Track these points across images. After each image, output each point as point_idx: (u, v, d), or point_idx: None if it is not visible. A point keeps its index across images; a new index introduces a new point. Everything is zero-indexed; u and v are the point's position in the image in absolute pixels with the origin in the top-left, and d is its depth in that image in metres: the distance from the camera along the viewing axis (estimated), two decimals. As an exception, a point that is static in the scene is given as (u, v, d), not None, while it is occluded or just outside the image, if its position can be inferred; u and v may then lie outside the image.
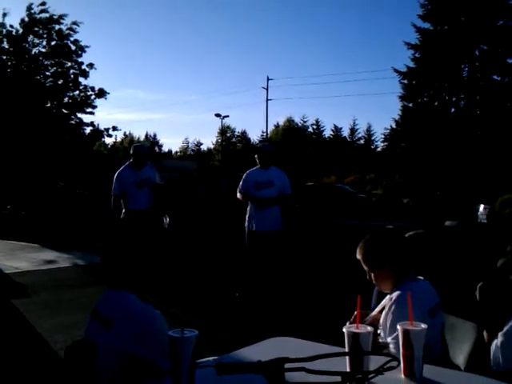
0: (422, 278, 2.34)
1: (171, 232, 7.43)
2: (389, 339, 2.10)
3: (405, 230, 2.97)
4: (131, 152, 6.92)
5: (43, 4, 24.66)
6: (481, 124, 28.58)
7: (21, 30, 24.58)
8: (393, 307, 2.15)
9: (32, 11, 24.65)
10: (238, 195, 6.66)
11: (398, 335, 2.00)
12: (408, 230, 3.00)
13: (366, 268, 2.37)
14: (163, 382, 1.68)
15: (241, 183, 6.67)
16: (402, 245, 2.36)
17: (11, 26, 24.55)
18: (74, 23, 25.09)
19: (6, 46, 24.62)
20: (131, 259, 2.07)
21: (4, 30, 24.36)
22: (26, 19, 24.63)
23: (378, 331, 2.25)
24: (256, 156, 6.57)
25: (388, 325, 2.13)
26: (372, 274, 2.35)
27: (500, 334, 2.06)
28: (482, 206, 16.20)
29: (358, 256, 2.38)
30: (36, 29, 24.68)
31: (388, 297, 2.27)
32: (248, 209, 6.59)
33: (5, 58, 24.66)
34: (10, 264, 9.29)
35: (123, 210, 6.77)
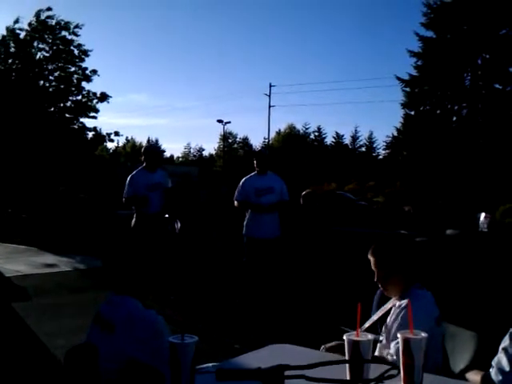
0: (424, 287, 2.35)
1: (181, 237, 7.42)
2: (392, 344, 2.11)
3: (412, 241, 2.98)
4: (143, 153, 6.92)
5: (49, 9, 24.83)
6: (483, 132, 28.59)
7: (28, 34, 24.72)
8: (402, 313, 2.16)
9: (40, 17, 24.82)
10: (236, 203, 6.60)
11: None
12: (409, 238, 3.00)
13: (376, 270, 2.37)
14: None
15: (238, 191, 6.59)
16: (415, 254, 2.38)
17: (20, 30, 24.71)
18: (76, 26, 25.24)
19: (12, 51, 24.77)
20: (137, 264, 2.07)
21: (12, 36, 24.53)
22: (35, 24, 24.77)
23: (381, 338, 2.25)
24: (255, 161, 6.54)
25: (393, 330, 2.14)
26: (381, 278, 2.36)
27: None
28: (482, 215, 16.14)
29: (371, 258, 2.38)
30: (43, 33, 24.83)
31: (397, 304, 2.27)
32: (246, 215, 6.56)
33: (10, 61, 24.78)
34: (11, 267, 9.28)
35: (134, 214, 6.75)
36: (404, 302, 2.21)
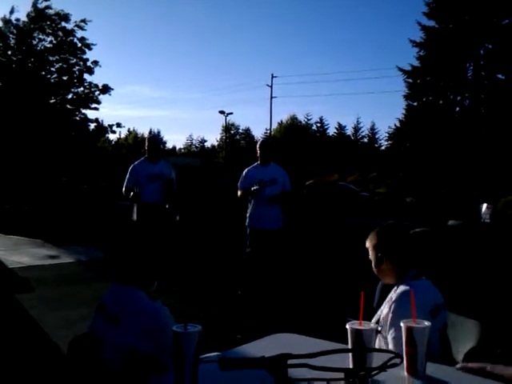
0: (423, 277, 2.35)
1: (180, 228, 7.44)
2: (388, 338, 2.12)
3: (408, 228, 2.98)
4: (147, 143, 6.95)
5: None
6: (485, 123, 28.51)
7: (28, 25, 24.61)
8: (392, 306, 2.17)
9: (38, 6, 24.70)
10: (239, 193, 6.58)
11: (397, 334, 2.01)
12: (410, 228, 3.00)
13: (370, 256, 2.41)
14: (167, 376, 1.68)
15: (241, 181, 6.56)
16: (404, 240, 2.38)
17: (17, 20, 24.59)
18: (83, 21, 25.11)
19: (12, 42, 24.67)
20: (139, 254, 2.07)
21: (11, 27, 24.42)
22: (33, 14, 24.66)
23: (379, 328, 2.25)
24: (258, 151, 6.51)
25: (388, 323, 2.15)
26: (375, 264, 2.40)
27: None
28: (484, 206, 16.15)
29: (367, 244, 2.44)
30: (43, 24, 24.72)
31: (389, 296, 2.29)
32: (249, 207, 6.54)
33: (10, 53, 24.70)
34: (14, 259, 9.31)
35: (135, 205, 6.75)
36: (395, 295, 2.22)
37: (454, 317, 2.38)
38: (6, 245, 11.30)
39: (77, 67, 25.69)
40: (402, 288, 2.24)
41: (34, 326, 5.27)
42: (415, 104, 31.76)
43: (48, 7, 24.80)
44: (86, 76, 25.82)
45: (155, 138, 7.47)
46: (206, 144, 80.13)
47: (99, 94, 25.81)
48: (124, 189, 6.77)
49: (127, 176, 6.77)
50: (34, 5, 24.69)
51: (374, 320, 2.28)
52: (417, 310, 2.00)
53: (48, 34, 25.15)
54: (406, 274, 2.31)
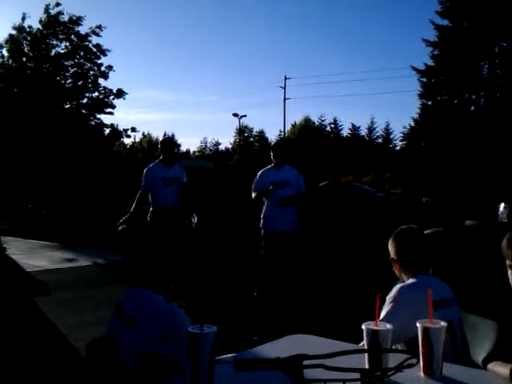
0: (427, 272, 2.38)
1: (197, 231, 7.44)
2: None
3: (423, 228, 2.96)
4: (160, 146, 6.96)
5: (58, 5, 24.90)
6: (501, 122, 28.20)
7: (40, 31, 24.83)
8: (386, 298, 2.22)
9: (50, 12, 24.91)
10: (253, 195, 6.57)
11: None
12: (427, 229, 2.98)
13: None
14: (183, 377, 1.69)
15: (255, 183, 6.54)
16: (413, 244, 2.38)
17: (29, 27, 24.82)
18: (98, 27, 25.28)
19: (27, 49, 24.90)
20: (153, 256, 2.08)
21: (24, 34, 24.66)
22: (45, 19, 24.88)
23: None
24: (272, 153, 6.50)
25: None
26: (393, 268, 2.45)
27: None
28: (502, 205, 15.96)
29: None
30: (56, 29, 24.93)
31: None
32: (263, 209, 6.54)
33: (25, 59, 24.94)
34: (31, 262, 9.40)
35: (151, 208, 6.79)
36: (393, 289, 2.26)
37: (472, 318, 2.36)
38: (24, 249, 11.42)
39: (91, 72, 25.89)
40: (400, 284, 2.29)
41: (51, 328, 5.32)
42: (430, 103, 31.51)
43: (60, 12, 25.03)
44: (100, 81, 26.03)
45: (171, 141, 7.47)
46: (219, 147, 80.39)
47: (114, 99, 26.00)
48: (140, 191, 6.79)
49: (142, 179, 6.81)
50: (46, 11, 24.92)
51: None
52: (418, 302, 2.05)
53: (62, 40, 25.36)
54: (414, 274, 2.32)
